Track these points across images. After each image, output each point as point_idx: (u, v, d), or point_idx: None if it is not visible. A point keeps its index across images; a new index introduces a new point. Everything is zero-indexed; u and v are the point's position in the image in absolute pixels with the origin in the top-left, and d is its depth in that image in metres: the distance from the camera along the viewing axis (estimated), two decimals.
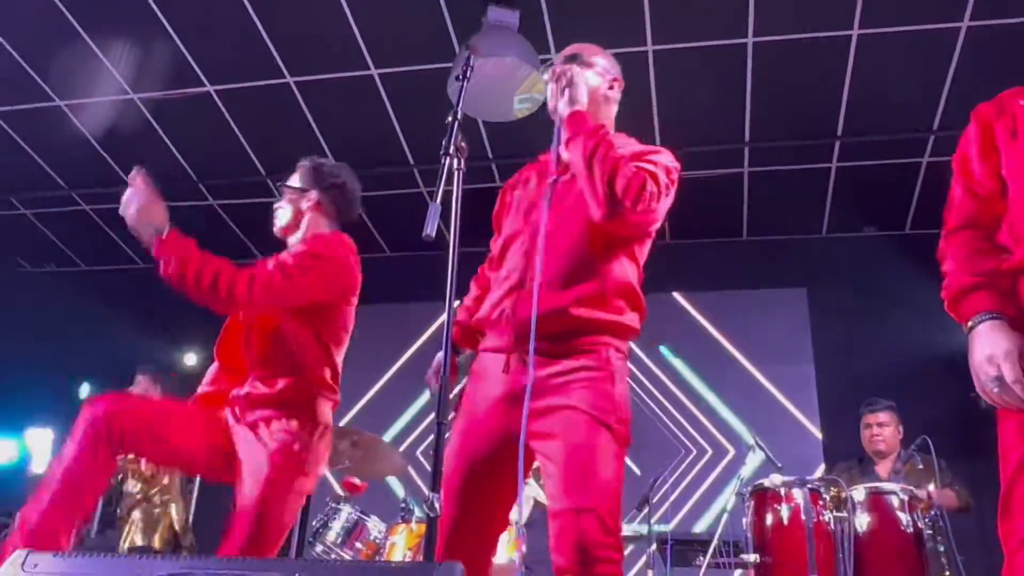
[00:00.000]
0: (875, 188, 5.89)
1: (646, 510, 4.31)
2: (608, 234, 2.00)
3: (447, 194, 1.81)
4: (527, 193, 2.19)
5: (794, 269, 6.30)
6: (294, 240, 2.79)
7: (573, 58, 2.21)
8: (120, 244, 6.91)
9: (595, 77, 2.22)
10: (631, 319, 2.03)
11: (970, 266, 1.68)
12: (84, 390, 6.22)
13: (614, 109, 2.28)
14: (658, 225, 2.09)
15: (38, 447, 6.54)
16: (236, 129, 5.68)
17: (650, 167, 1.99)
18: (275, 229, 2.84)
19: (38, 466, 6.47)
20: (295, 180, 2.85)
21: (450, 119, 1.92)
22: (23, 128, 5.80)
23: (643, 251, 2.12)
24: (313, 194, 2.80)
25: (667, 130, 5.38)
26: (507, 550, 3.52)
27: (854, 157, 5.62)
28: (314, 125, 5.61)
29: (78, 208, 6.58)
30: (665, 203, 2.01)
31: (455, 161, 1.86)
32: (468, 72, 2.08)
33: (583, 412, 1.86)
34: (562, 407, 1.88)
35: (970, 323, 1.62)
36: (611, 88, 2.26)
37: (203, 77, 5.25)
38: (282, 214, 2.82)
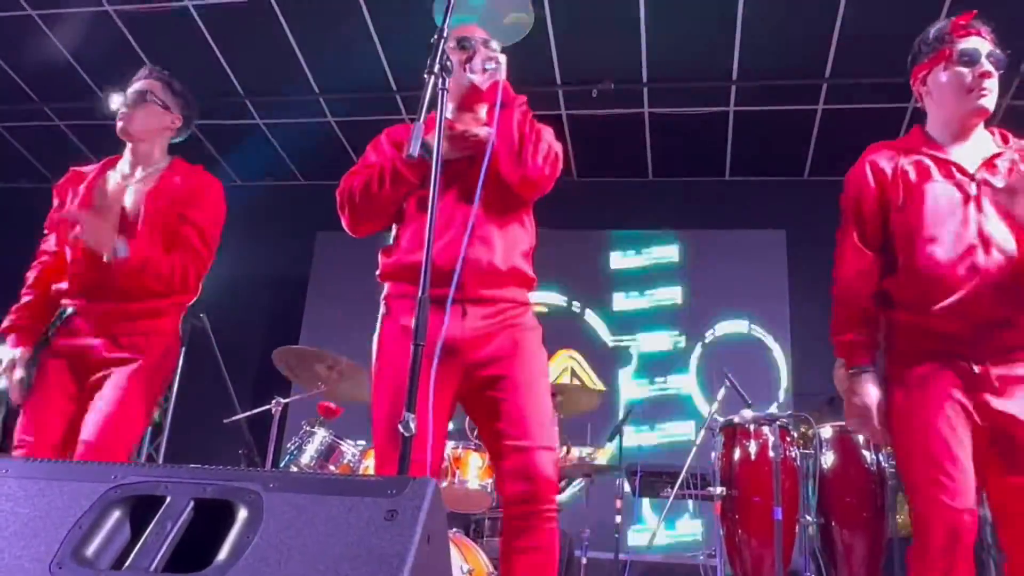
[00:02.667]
0: (860, 132, 5.87)
1: (617, 440, 4.38)
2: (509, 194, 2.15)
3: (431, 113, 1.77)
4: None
5: (775, 211, 6.31)
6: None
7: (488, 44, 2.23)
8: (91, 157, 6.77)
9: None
10: (532, 273, 2.21)
11: (859, 326, 2.15)
12: None
13: None
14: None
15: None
16: (214, 46, 5.53)
17: (543, 132, 2.15)
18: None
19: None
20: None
21: (436, 37, 1.87)
22: None
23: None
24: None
25: (655, 65, 5.32)
26: (479, 475, 3.58)
27: (841, 100, 5.59)
28: (295, 45, 5.48)
29: (50, 123, 6.44)
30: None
31: (440, 80, 1.82)
32: None
33: (529, 362, 2.11)
34: (511, 357, 2.09)
35: (852, 371, 2.13)
36: None
37: None
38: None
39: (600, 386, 5.93)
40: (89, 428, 2.43)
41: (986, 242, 2.02)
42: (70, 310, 2.63)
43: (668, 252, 6.44)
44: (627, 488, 4.22)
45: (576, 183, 6.25)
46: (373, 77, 5.68)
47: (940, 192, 2.07)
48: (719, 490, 3.52)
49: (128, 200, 2.69)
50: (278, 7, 5.15)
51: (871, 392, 2.08)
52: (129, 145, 2.77)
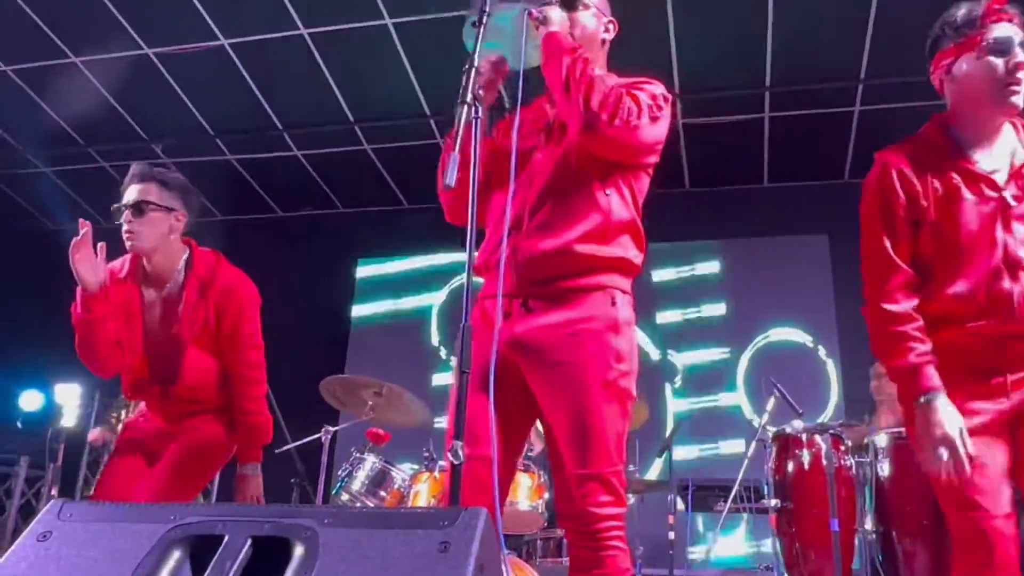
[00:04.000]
0: (898, 131, 5.78)
1: (666, 455, 4.34)
2: (595, 161, 1.98)
3: (466, 144, 1.78)
4: (520, 136, 2.10)
5: (815, 215, 6.23)
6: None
7: (571, 1, 2.15)
8: None
9: (591, 19, 2.17)
10: (635, 255, 2.02)
11: (916, 346, 1.90)
12: None
13: (605, 52, 2.25)
14: (653, 158, 2.05)
15: (67, 402, 6.67)
16: (251, 83, 5.65)
17: (633, 90, 1.98)
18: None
19: (68, 420, 6.61)
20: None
21: (466, 66, 1.89)
22: (38, 85, 5.80)
23: (640, 188, 2.08)
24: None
25: (687, 76, 5.30)
26: (529, 496, 3.57)
27: (877, 100, 5.51)
28: (328, 77, 5.57)
29: (97, 165, 6.62)
30: (651, 127, 1.97)
31: (472, 109, 1.84)
32: (485, 17, 2.04)
33: (586, 372, 1.88)
34: (565, 365, 1.90)
35: (923, 399, 1.86)
36: (607, 31, 2.22)
37: (216, 30, 5.21)
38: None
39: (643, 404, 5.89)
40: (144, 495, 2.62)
41: (1013, 266, 1.90)
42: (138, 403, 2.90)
43: (710, 264, 6.40)
44: (679, 504, 4.18)
45: None
46: (406, 103, 5.74)
47: (971, 213, 1.93)
48: (774, 502, 3.47)
49: (160, 317, 2.80)
50: (311, 40, 5.24)
51: (953, 419, 1.82)
52: (145, 259, 2.79)
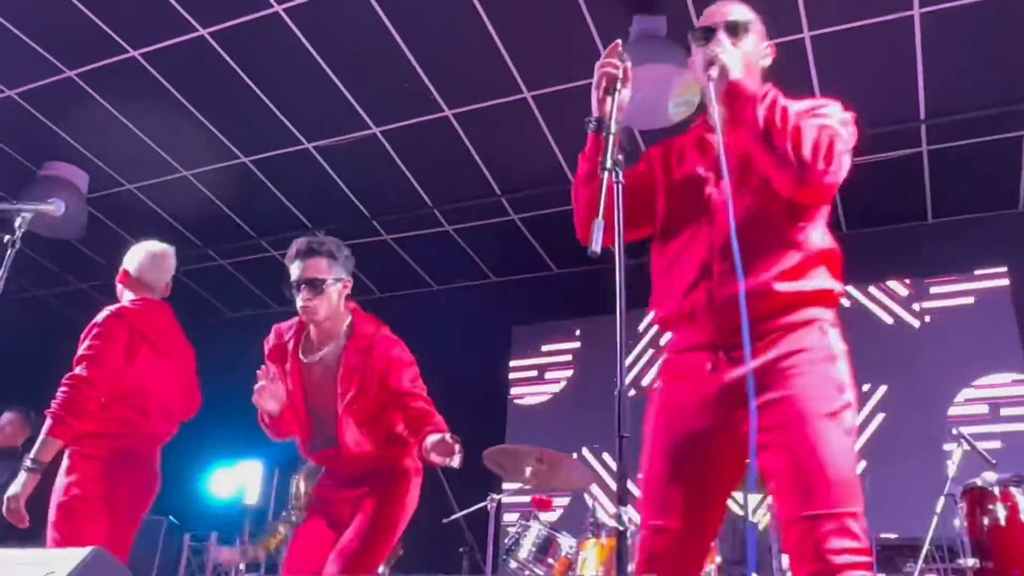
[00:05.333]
0: None
1: None
2: (794, 203, 1.88)
3: (609, 208, 1.80)
4: (685, 172, 2.07)
5: (992, 248, 5.81)
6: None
7: (734, 26, 2.05)
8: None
9: (754, 45, 2.07)
10: (835, 287, 1.91)
11: None
12: None
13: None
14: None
15: (250, 479, 7.08)
16: (400, 164, 5.94)
17: (828, 121, 1.86)
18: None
19: (251, 498, 7.00)
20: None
21: (604, 134, 1.91)
22: (214, 184, 6.35)
23: (825, 213, 1.97)
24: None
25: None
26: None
27: None
28: (474, 154, 5.78)
29: (268, 254, 7.12)
30: (848, 159, 1.86)
31: (614, 175, 1.85)
32: (619, 83, 2.06)
33: (806, 404, 1.72)
34: (782, 400, 1.75)
35: None
36: (765, 57, 2.12)
37: (368, 119, 5.53)
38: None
39: None
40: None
41: None
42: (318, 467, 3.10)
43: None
44: None
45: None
46: (549, 171, 5.86)
47: None
48: (971, 562, 3.21)
49: (319, 380, 2.94)
50: (456, 120, 5.47)
51: None
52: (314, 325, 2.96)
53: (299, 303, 2.85)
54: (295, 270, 2.87)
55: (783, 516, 1.73)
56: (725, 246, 1.83)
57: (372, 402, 2.87)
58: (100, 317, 3.14)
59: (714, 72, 1.95)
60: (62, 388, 2.99)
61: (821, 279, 1.88)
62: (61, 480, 2.97)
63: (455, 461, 2.58)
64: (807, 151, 1.77)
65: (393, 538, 2.87)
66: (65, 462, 3.01)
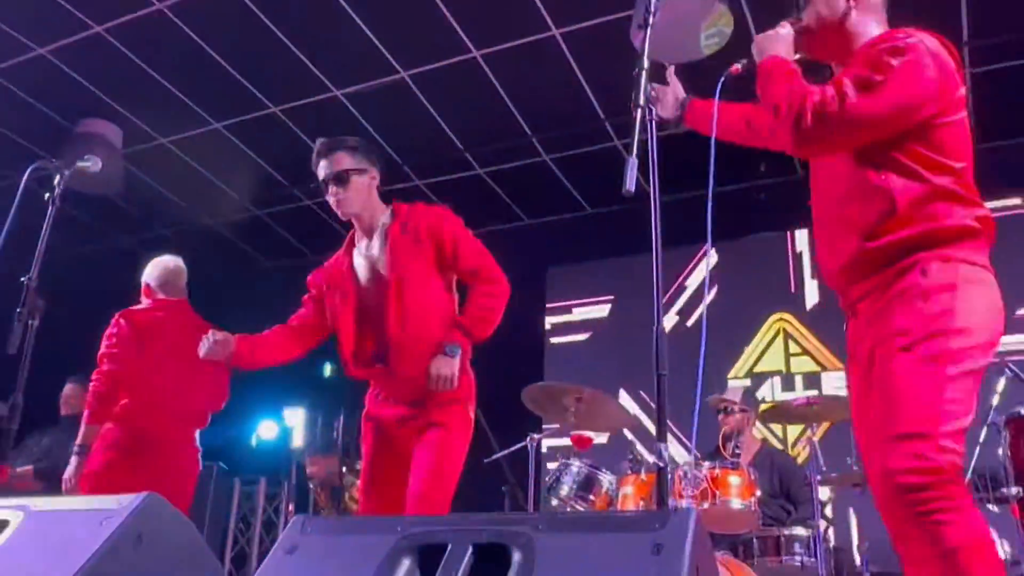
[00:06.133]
0: None
1: None
2: (859, 150, 1.91)
3: (643, 146, 1.79)
4: None
5: None
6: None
7: None
8: (340, 231, 7.45)
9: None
10: (949, 218, 1.86)
11: None
12: (326, 370, 6.80)
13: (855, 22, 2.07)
14: (912, 117, 1.85)
15: (295, 424, 7.27)
16: (431, 108, 5.89)
17: (847, 75, 1.87)
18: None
19: (296, 440, 7.20)
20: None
21: (637, 70, 1.89)
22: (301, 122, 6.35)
23: (940, 142, 1.88)
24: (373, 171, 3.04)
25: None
26: (740, 495, 3.49)
27: None
28: (503, 95, 5.71)
29: (303, 204, 7.16)
30: (868, 97, 1.82)
31: (647, 111, 1.84)
32: (650, 17, 2.03)
33: (887, 340, 1.82)
34: (880, 338, 1.85)
35: None
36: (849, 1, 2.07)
37: (395, 63, 5.48)
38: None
39: None
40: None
41: None
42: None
43: None
44: None
45: None
46: (580, 109, 5.78)
47: None
48: (1014, 491, 3.20)
49: (369, 273, 2.99)
50: (484, 62, 5.41)
51: None
52: (354, 220, 3.05)
53: (331, 201, 2.96)
54: (321, 171, 2.98)
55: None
56: (829, 208, 2.05)
57: (425, 277, 2.90)
58: (112, 320, 3.82)
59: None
60: (90, 382, 3.72)
61: (924, 220, 1.87)
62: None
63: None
64: (784, 113, 1.89)
65: (459, 470, 2.85)
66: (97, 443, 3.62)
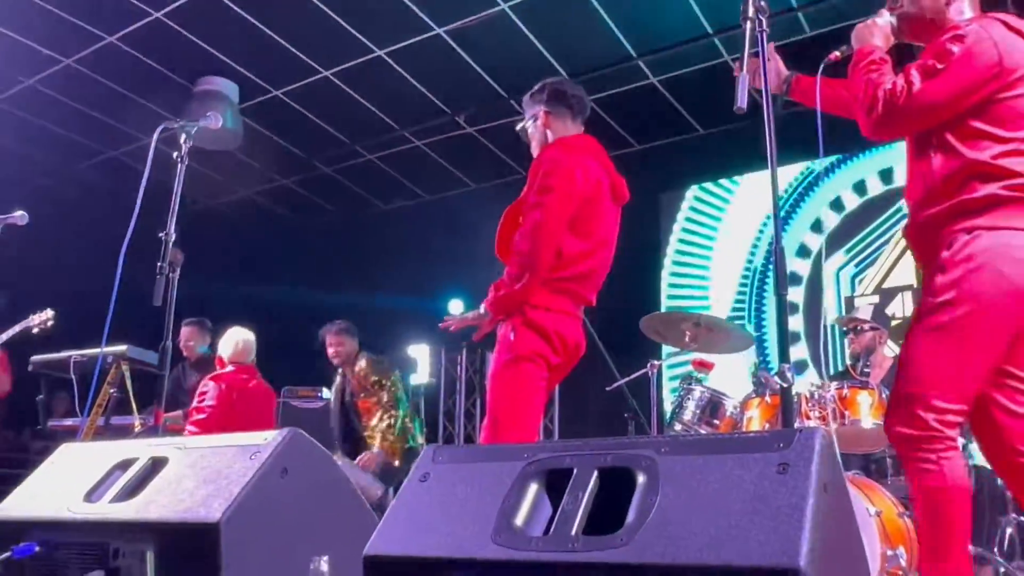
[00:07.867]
0: None
1: None
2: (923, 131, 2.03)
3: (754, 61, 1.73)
4: None
5: None
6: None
7: None
8: (455, 172, 7.56)
9: None
10: (983, 191, 1.95)
11: None
12: (454, 307, 6.95)
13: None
14: (969, 99, 1.95)
15: (419, 360, 7.53)
16: (530, 35, 5.83)
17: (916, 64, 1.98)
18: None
19: (419, 377, 7.45)
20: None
21: None
22: (353, 82, 6.47)
23: (998, 117, 1.96)
24: (538, 110, 3.08)
25: None
26: (871, 414, 3.41)
27: None
28: (607, 18, 5.58)
29: (412, 145, 7.26)
30: (933, 82, 1.94)
31: (757, 23, 1.77)
32: None
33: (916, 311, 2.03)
34: None
35: None
36: None
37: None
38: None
39: None
40: None
41: None
42: None
43: None
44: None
45: None
46: (686, 27, 5.59)
47: None
48: None
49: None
50: None
51: None
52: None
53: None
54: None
55: None
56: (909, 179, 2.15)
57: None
58: (205, 384, 4.80)
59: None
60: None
61: (963, 192, 1.98)
62: None
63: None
64: (866, 106, 2.00)
65: (510, 425, 2.44)
66: None
